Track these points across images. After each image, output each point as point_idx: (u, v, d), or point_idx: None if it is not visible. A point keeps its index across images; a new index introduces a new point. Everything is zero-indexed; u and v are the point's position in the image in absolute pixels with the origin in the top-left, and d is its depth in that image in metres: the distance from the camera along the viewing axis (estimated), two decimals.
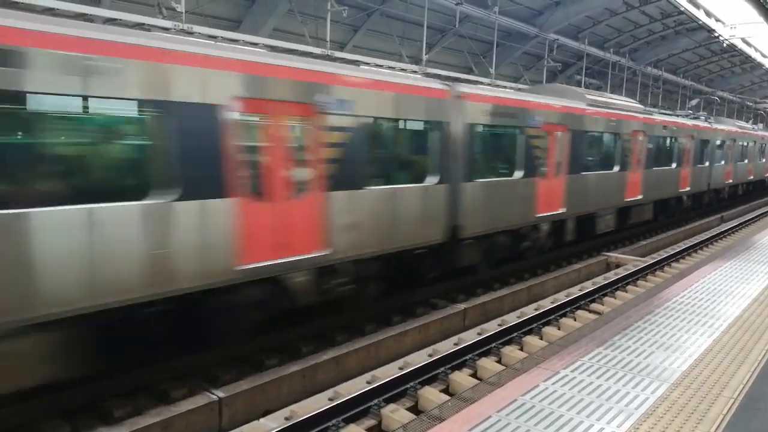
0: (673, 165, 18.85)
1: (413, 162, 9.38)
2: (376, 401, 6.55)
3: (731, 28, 30.64)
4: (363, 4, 18.59)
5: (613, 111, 14.84)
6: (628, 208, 16.23)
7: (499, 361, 8.25)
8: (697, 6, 27.35)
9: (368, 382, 7.28)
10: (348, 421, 6.24)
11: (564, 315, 10.17)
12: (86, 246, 5.36)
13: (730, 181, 25.30)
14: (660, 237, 18.10)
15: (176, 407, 6.19)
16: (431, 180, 9.29)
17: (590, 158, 13.86)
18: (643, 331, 6.35)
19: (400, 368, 7.70)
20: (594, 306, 10.83)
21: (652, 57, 33.07)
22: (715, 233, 18.32)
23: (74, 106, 5.42)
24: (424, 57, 18.90)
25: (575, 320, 10.11)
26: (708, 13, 28.68)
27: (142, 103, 5.75)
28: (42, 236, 5.08)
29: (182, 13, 11.62)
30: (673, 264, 14.47)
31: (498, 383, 6.17)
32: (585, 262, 14.20)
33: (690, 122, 20.54)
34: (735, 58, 38.45)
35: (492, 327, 9.50)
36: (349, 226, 7.83)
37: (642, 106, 18.28)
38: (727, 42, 31.36)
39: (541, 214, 12.03)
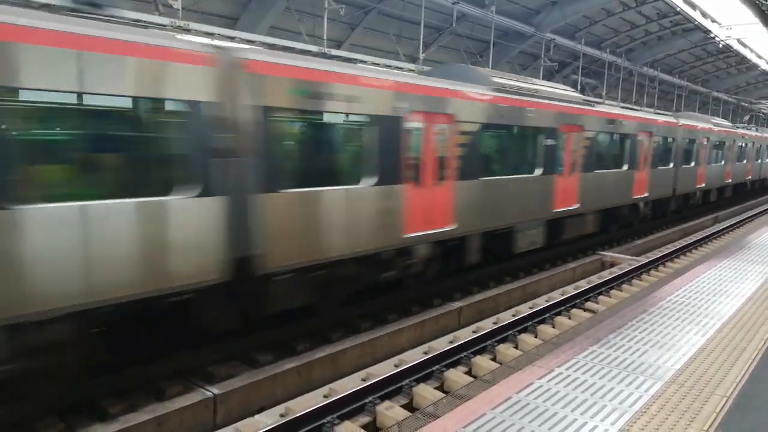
0: (744, 161, 28.24)
1: (665, 156, 18.48)
2: (371, 398, 6.56)
3: (727, 29, 30.81)
4: (360, 3, 18.57)
5: (723, 128, 24.23)
6: (724, 188, 25.72)
7: (494, 359, 8.27)
8: (693, 7, 27.48)
9: (363, 380, 7.27)
10: (343, 417, 6.24)
11: (559, 313, 10.20)
12: None
13: None
14: (655, 236, 18.18)
15: (171, 404, 6.18)
16: (669, 165, 18.79)
17: (713, 156, 23.12)
18: (637, 330, 6.38)
19: (396, 366, 7.71)
20: (589, 305, 10.88)
21: (648, 57, 33.18)
22: (710, 233, 18.41)
23: None
24: (421, 56, 18.92)
25: (570, 319, 10.14)
26: (704, 14, 28.82)
27: None
28: None
29: (179, 10, 11.58)
30: (668, 263, 14.53)
31: (493, 381, 6.18)
32: (580, 261, 14.24)
33: (754, 133, 30.54)
34: (730, 58, 38.62)
35: (487, 325, 9.52)
36: (656, 184, 17.73)
37: (731, 123, 29.62)
38: (722, 43, 31.54)
39: (697, 186, 21.58)
